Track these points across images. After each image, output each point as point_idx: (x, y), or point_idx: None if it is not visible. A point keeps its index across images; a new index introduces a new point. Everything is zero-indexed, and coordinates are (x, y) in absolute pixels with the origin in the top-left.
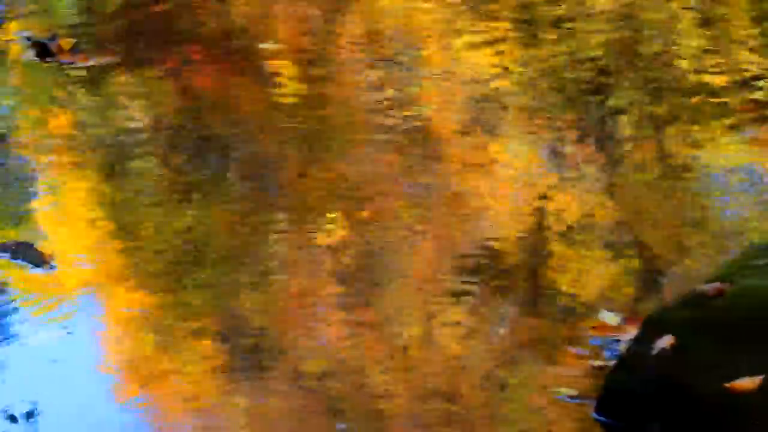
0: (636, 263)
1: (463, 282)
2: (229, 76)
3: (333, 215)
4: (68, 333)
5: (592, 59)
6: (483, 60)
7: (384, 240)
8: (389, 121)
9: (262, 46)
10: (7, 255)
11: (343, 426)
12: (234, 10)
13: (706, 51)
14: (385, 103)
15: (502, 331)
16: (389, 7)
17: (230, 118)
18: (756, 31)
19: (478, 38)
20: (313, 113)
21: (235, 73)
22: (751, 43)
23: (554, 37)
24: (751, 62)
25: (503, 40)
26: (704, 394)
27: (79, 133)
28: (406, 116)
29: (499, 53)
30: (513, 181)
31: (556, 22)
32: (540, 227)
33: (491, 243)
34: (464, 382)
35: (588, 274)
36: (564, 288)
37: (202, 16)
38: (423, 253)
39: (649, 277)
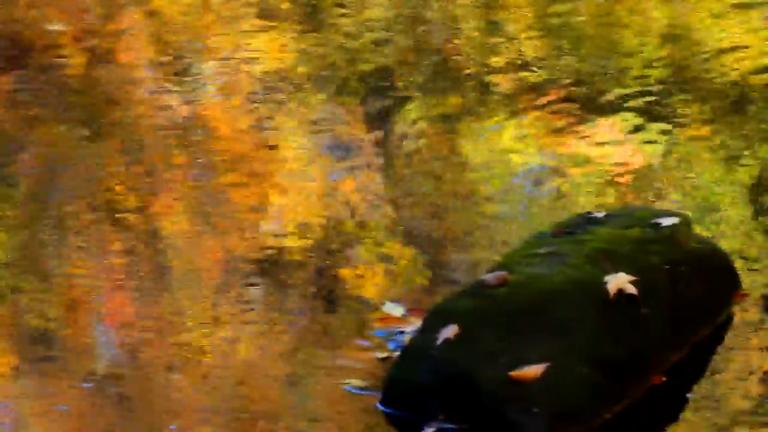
0: (421, 254)
1: (251, 279)
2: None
3: (120, 215)
4: None
5: (376, 46)
6: (265, 48)
7: (169, 239)
8: (171, 116)
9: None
10: None
11: (131, 425)
12: None
13: (488, 44)
14: (168, 97)
15: (290, 325)
16: None
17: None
18: (536, 24)
19: (260, 26)
20: (95, 108)
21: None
22: (532, 33)
23: (337, 25)
24: (524, 51)
25: (286, 28)
26: (488, 383)
27: None
28: (188, 110)
29: (281, 42)
30: (298, 174)
31: (339, 10)
32: (326, 220)
33: (277, 239)
34: (254, 376)
35: (374, 266)
36: (351, 281)
37: None
38: (210, 252)
39: (434, 268)
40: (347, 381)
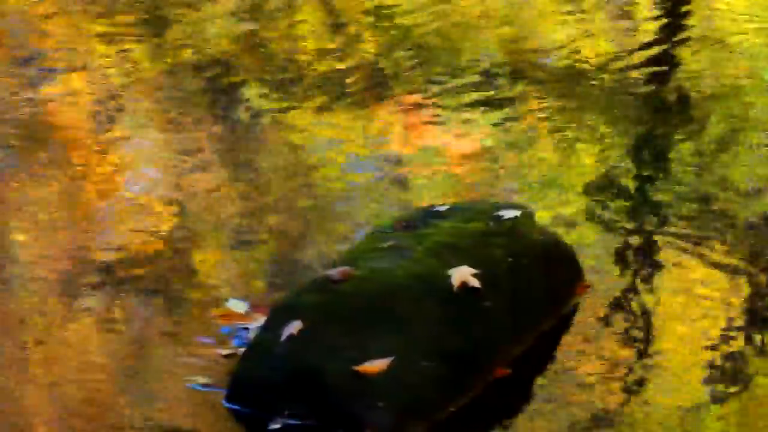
0: (264, 250)
1: (93, 278)
2: None
3: None
4: None
5: (218, 53)
6: (110, 54)
7: (13, 239)
8: (15, 115)
9: None
10: None
11: None
12: None
13: (329, 37)
14: (12, 99)
15: (133, 324)
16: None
17: None
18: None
19: (104, 32)
20: None
21: None
22: (371, 26)
23: (180, 29)
24: (365, 44)
25: (129, 34)
26: (332, 378)
27: None
28: (33, 113)
29: (124, 48)
30: (143, 175)
31: (180, 15)
32: (170, 217)
33: (120, 237)
34: (97, 376)
35: (217, 263)
36: (194, 278)
37: None
38: (55, 252)
39: (278, 264)
40: (192, 379)
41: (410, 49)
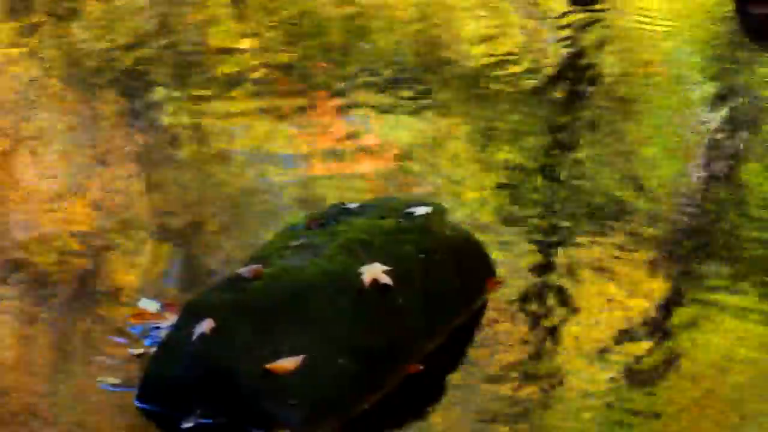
0: (176, 249)
1: (5, 277)
2: None
3: None
4: None
5: (131, 46)
6: (18, 49)
7: None
8: None
9: None
10: None
11: None
12: None
13: (237, 36)
14: None
15: (45, 324)
16: None
17: None
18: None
19: (12, 28)
20: None
21: None
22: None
23: (89, 24)
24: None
25: (37, 28)
26: (244, 376)
27: None
28: None
29: (31, 43)
30: (53, 172)
31: (90, 7)
32: (84, 217)
33: (33, 235)
34: (9, 376)
35: (129, 263)
36: (106, 278)
37: None
38: None
39: (189, 263)
40: (103, 378)
41: (322, 47)
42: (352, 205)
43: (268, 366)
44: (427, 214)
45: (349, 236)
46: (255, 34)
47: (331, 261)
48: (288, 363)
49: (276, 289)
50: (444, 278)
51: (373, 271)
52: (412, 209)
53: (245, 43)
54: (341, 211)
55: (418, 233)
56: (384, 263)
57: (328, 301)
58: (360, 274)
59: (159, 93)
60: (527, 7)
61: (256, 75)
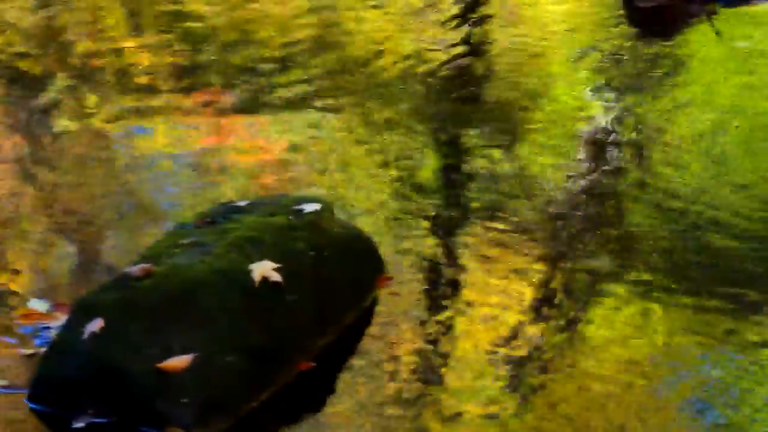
0: (66, 248)
1: None
2: None
3: None
4: None
5: (21, 54)
6: None
7: None
8: None
9: None
10: None
11: None
12: None
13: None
14: None
15: None
16: None
17: None
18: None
19: None
20: None
21: None
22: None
23: None
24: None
25: None
26: (135, 375)
27: None
28: None
29: None
30: None
31: None
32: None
33: None
34: None
35: (17, 262)
36: None
37: None
38: None
39: (79, 262)
40: None
41: (217, 46)
42: (242, 203)
43: (159, 365)
44: (317, 211)
45: (238, 234)
46: (146, 34)
47: (220, 259)
48: (179, 361)
49: (166, 288)
50: (334, 275)
51: (263, 269)
52: (301, 206)
53: (135, 42)
54: (231, 209)
55: (308, 230)
56: (274, 260)
57: (218, 299)
58: (250, 271)
59: (50, 89)
60: (421, 10)
61: (146, 75)
